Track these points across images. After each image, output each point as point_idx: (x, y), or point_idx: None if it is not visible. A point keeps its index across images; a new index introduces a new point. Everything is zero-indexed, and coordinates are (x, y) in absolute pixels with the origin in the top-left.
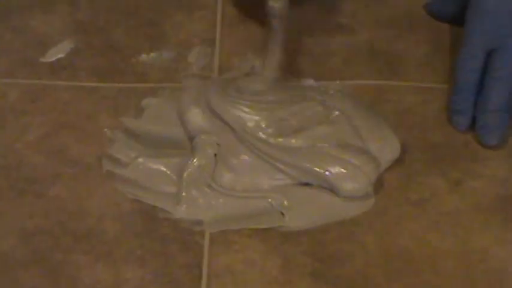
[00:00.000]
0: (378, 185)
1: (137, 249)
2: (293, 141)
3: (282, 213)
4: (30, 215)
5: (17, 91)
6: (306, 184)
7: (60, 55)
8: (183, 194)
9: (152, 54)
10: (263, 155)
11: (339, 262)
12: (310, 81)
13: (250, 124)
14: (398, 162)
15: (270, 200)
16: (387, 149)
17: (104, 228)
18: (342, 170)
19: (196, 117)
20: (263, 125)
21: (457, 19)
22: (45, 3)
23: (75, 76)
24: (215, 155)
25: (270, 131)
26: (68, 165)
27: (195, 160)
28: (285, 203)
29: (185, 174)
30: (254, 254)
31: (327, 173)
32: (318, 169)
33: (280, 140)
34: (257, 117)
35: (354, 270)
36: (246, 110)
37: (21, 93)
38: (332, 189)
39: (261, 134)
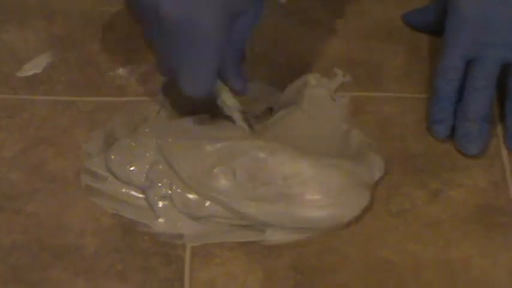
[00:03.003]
0: None
1: (118, 264)
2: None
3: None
4: (7, 232)
5: None
6: None
7: (36, 70)
8: (160, 205)
9: (129, 68)
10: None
11: (321, 275)
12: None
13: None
14: None
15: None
16: (374, 169)
17: (84, 244)
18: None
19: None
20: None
21: (435, 29)
22: (19, 18)
23: (51, 90)
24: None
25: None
26: (46, 181)
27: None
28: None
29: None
30: (236, 267)
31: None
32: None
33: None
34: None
35: (336, 283)
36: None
37: None
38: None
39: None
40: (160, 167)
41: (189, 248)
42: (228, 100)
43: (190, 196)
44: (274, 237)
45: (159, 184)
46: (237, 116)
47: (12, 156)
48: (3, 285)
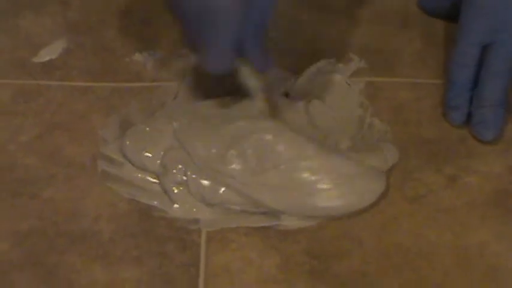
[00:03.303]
0: None
1: (133, 249)
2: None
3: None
4: (24, 217)
5: (10, 92)
6: None
7: (53, 55)
8: (175, 191)
9: (145, 53)
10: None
11: (336, 260)
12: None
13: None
14: None
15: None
16: (387, 157)
17: (100, 229)
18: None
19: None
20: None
21: (450, 15)
22: (36, 4)
23: (68, 76)
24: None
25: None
26: (62, 166)
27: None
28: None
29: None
30: (251, 252)
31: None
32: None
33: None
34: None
35: (351, 268)
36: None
37: (13, 94)
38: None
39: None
40: (175, 152)
41: (205, 233)
42: (249, 79)
43: (205, 182)
44: (290, 222)
45: (174, 171)
46: (257, 95)
47: (28, 141)
48: (19, 269)
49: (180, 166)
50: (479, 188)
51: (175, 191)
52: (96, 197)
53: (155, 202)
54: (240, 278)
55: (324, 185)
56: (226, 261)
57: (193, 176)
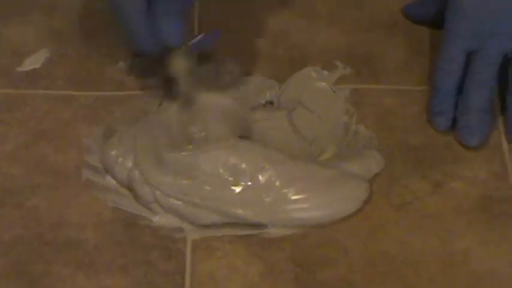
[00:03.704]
0: None
1: (119, 258)
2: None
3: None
4: (8, 227)
5: None
6: None
7: (37, 64)
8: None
9: (128, 62)
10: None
11: (321, 268)
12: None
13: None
14: None
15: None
16: (372, 164)
17: (85, 238)
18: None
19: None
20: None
21: (435, 22)
22: (20, 13)
23: (52, 85)
24: None
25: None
26: (47, 175)
27: None
28: None
29: None
30: (236, 260)
31: None
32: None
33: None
34: None
35: (336, 276)
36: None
37: None
38: None
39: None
40: (138, 174)
41: (190, 241)
42: (175, 63)
43: (178, 203)
44: (274, 230)
45: (142, 192)
46: (181, 80)
47: (12, 150)
48: (4, 279)
49: (146, 188)
50: (465, 194)
51: (154, 205)
52: (80, 206)
53: (139, 210)
54: (225, 286)
55: (297, 196)
56: (212, 269)
57: (163, 198)
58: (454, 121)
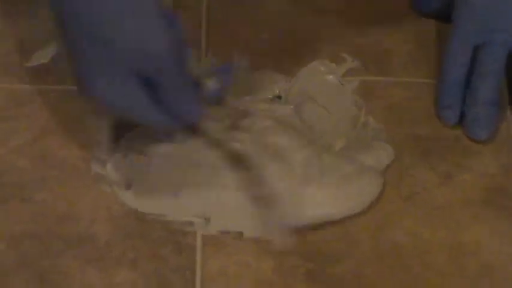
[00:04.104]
0: None
1: (129, 252)
2: None
3: None
4: (17, 220)
5: (2, 96)
6: None
7: (45, 60)
8: None
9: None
10: None
11: (331, 262)
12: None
13: None
14: None
15: None
16: (383, 156)
17: (94, 232)
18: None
19: None
20: None
21: (443, 15)
22: (27, 8)
23: (60, 80)
24: None
25: None
26: (56, 169)
27: None
28: None
29: None
30: (247, 256)
31: None
32: None
33: None
34: None
35: (347, 269)
36: None
37: (6, 98)
38: None
39: None
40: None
41: (200, 236)
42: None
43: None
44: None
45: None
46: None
47: (21, 145)
48: (14, 273)
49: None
50: (473, 186)
51: None
52: (90, 200)
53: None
54: (237, 282)
55: (319, 190)
56: (222, 265)
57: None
58: (462, 114)
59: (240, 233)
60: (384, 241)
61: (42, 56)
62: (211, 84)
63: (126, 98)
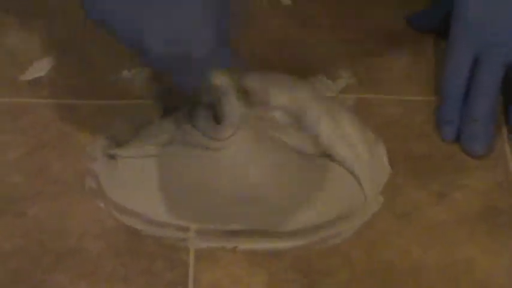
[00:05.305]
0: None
1: (121, 267)
2: None
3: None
4: (9, 235)
5: None
6: None
7: (39, 73)
8: None
9: (132, 71)
10: None
11: (324, 277)
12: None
13: None
14: None
15: None
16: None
17: (87, 247)
18: None
19: None
20: None
21: (439, 31)
22: (22, 21)
23: (54, 94)
24: None
25: None
26: (49, 184)
27: None
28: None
29: None
30: (240, 270)
31: None
32: None
33: None
34: None
35: (339, 285)
36: None
37: (0, 112)
38: None
39: None
40: None
41: (193, 251)
42: (220, 80)
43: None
44: (279, 244)
45: None
46: (232, 97)
47: (15, 159)
48: None
49: None
50: (468, 204)
51: None
52: (82, 215)
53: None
54: None
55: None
56: (215, 279)
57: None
58: (459, 131)
59: (234, 247)
60: (377, 258)
61: (38, 70)
62: None
63: None
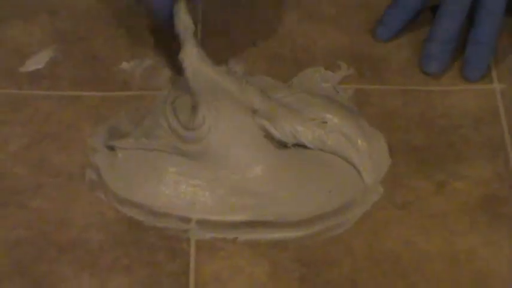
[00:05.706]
0: None
1: (123, 258)
2: None
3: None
4: (12, 227)
5: None
6: None
7: (40, 65)
8: None
9: (133, 62)
10: None
11: (326, 267)
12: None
13: None
14: None
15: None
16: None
17: (89, 238)
18: None
19: None
20: None
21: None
22: (23, 13)
23: (56, 85)
24: None
25: None
26: (50, 176)
27: None
28: None
29: None
30: (241, 260)
31: None
32: None
33: None
34: None
35: (341, 275)
36: None
37: (1, 104)
38: None
39: None
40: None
41: (194, 241)
42: (183, 18)
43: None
44: (279, 234)
45: None
46: (189, 37)
47: (16, 151)
48: (7, 279)
49: None
50: (468, 194)
51: None
52: (84, 206)
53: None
54: (231, 287)
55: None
56: (216, 270)
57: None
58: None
59: (234, 238)
60: (378, 248)
61: (38, 61)
62: None
63: None
